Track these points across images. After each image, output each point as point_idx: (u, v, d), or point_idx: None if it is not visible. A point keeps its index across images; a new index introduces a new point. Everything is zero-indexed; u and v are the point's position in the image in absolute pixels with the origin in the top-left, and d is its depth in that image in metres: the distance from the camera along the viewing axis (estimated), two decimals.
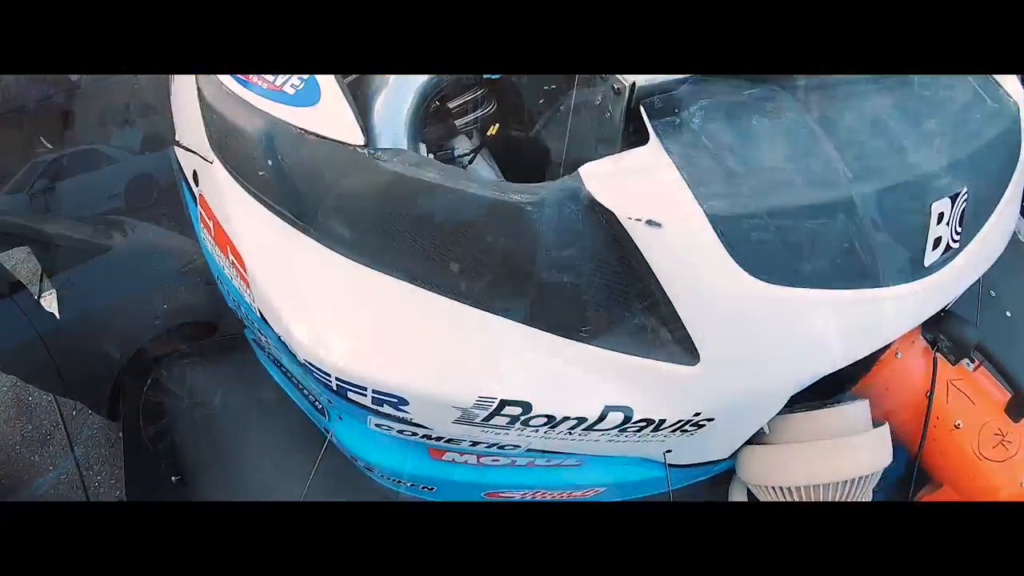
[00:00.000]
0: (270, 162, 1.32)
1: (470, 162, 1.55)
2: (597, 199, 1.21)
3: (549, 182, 1.23)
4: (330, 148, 1.27)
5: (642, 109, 1.33)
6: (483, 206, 1.22)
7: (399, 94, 1.37)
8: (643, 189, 1.25)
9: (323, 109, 1.28)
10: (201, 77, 1.46)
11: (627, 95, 1.32)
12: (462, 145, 1.60)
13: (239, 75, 1.37)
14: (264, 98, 1.34)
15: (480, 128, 1.57)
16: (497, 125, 1.57)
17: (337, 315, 1.25)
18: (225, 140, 1.42)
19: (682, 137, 1.25)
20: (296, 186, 1.32)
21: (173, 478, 1.91)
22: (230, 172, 1.42)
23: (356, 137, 1.26)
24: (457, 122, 1.57)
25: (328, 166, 1.28)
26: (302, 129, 1.27)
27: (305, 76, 1.30)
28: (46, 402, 2.52)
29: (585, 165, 1.24)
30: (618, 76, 1.33)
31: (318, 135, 1.27)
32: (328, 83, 1.30)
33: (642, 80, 1.33)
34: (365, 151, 1.26)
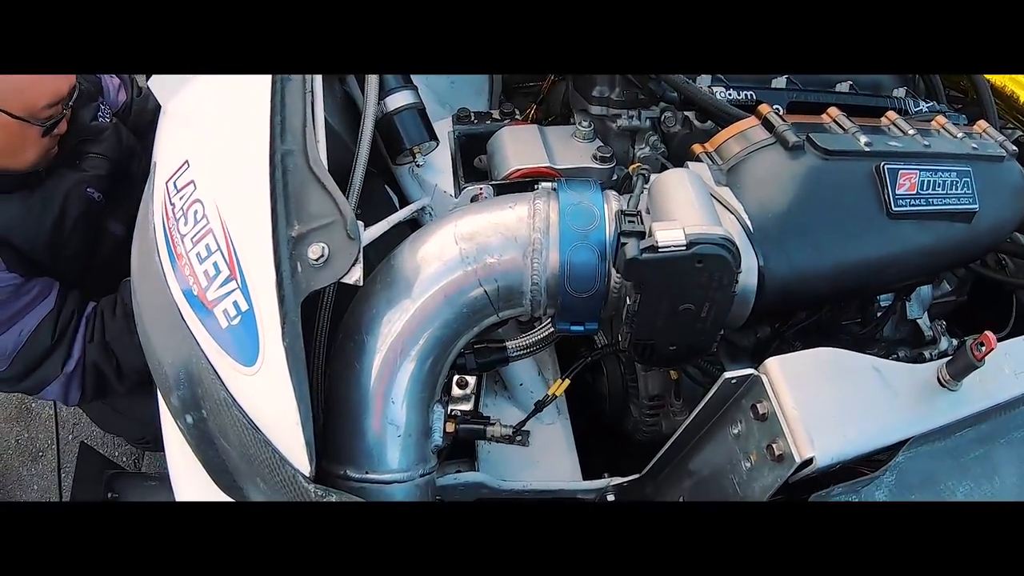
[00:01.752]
0: (190, 418, 0.88)
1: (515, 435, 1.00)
2: None
3: None
4: (266, 453, 0.78)
5: None
6: None
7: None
8: None
9: (262, 382, 0.82)
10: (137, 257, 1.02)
11: (790, 471, 0.75)
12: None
13: (176, 262, 0.90)
14: (192, 309, 0.85)
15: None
16: (567, 381, 0.99)
17: None
18: (145, 344, 0.95)
19: None
20: (224, 464, 0.89)
21: None
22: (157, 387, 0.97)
23: (303, 463, 0.76)
24: (511, 345, 1.01)
25: (261, 473, 0.83)
26: (233, 399, 0.79)
27: (243, 307, 0.84)
28: (47, 414, 2.32)
29: None
30: (787, 435, 0.76)
31: (253, 425, 0.77)
32: (272, 343, 0.80)
33: (826, 454, 0.75)
34: (312, 489, 0.75)
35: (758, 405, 0.78)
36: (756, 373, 0.78)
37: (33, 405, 2.36)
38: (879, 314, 1.26)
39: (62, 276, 1.47)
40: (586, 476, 1.08)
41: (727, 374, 0.77)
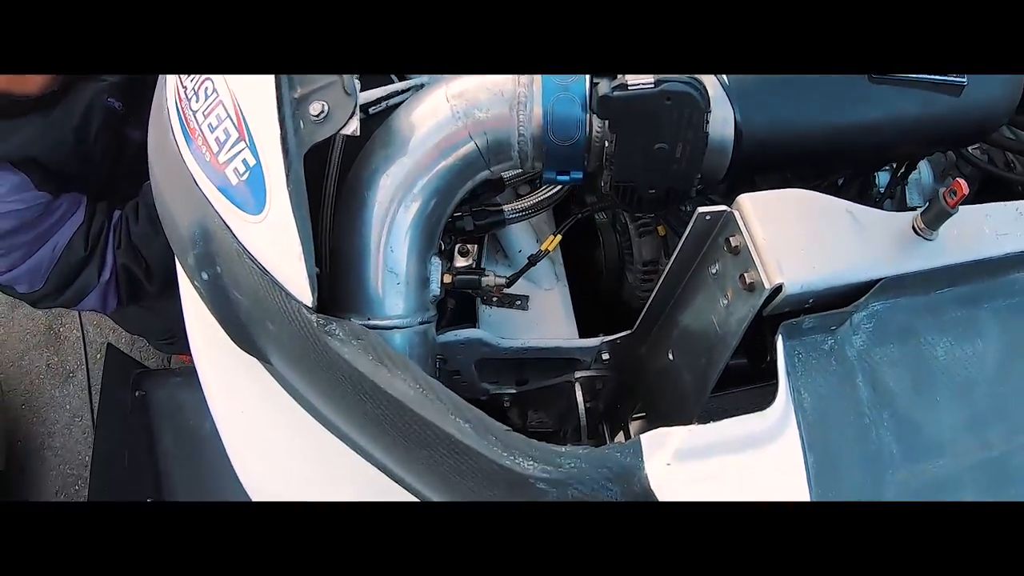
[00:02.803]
0: (205, 275, 0.96)
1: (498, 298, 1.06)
2: (657, 495, 0.72)
3: (589, 449, 0.74)
4: (273, 293, 0.85)
5: (780, 340, 0.81)
6: (465, 460, 0.76)
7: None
8: (741, 489, 0.74)
9: (268, 227, 0.88)
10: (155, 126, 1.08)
11: (761, 299, 0.80)
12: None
13: (189, 135, 0.96)
14: (204, 174, 0.92)
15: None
16: (559, 236, 1.05)
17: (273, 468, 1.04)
18: (163, 214, 1.02)
19: (826, 381, 0.85)
20: (238, 316, 0.96)
21: (147, 500, 1.67)
22: (175, 253, 1.04)
23: (305, 294, 0.83)
24: (507, 207, 1.07)
25: (270, 315, 0.90)
26: (243, 248, 0.89)
27: (251, 163, 0.90)
28: (75, 336, 2.38)
29: (653, 432, 0.74)
30: (757, 264, 0.80)
31: (261, 267, 0.84)
32: (277, 188, 0.86)
33: (795, 282, 0.79)
34: (314, 319, 0.82)
35: (731, 239, 0.82)
36: (729, 209, 0.83)
37: (60, 329, 2.46)
38: (877, 199, 1.30)
39: (89, 187, 1.54)
40: None
41: (700, 209, 0.82)
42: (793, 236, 0.83)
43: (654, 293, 0.95)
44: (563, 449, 0.72)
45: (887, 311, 0.90)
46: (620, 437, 1.19)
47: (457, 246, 1.11)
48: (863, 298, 0.85)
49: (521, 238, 1.18)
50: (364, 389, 0.79)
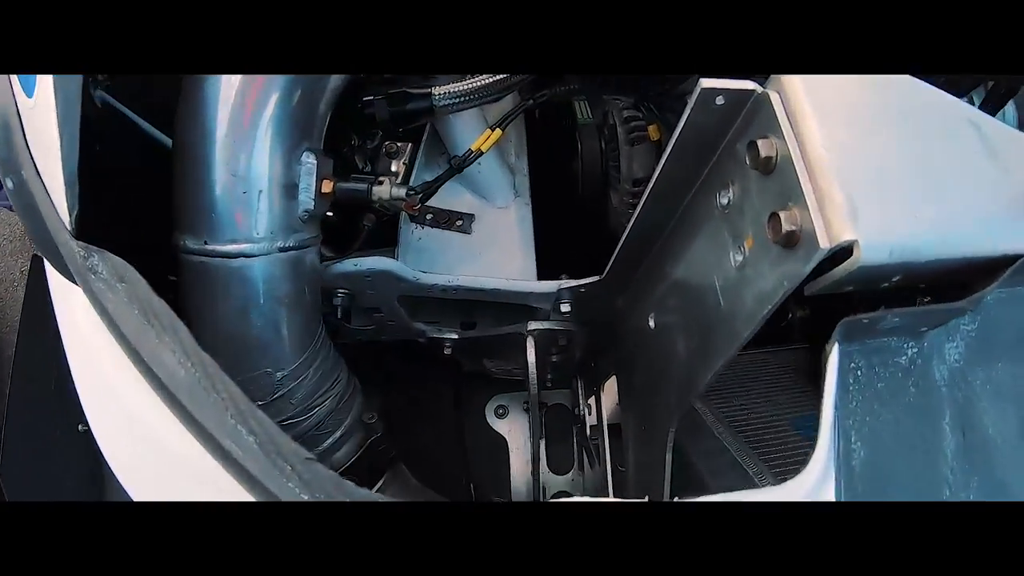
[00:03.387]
0: (11, 183, 0.69)
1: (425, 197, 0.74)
2: None
3: None
4: (49, 208, 0.60)
5: (835, 348, 0.47)
6: (253, 489, 0.46)
7: None
8: None
9: (35, 114, 0.61)
10: None
11: (808, 266, 0.45)
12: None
13: None
14: None
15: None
16: (499, 131, 0.73)
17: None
18: None
19: (896, 420, 0.51)
20: (47, 234, 0.66)
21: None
22: None
23: (62, 209, 0.58)
24: (438, 91, 0.74)
25: (57, 238, 0.61)
26: (29, 150, 0.63)
27: None
28: None
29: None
30: (807, 196, 0.44)
31: (37, 172, 0.62)
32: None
33: (879, 243, 0.44)
34: (76, 247, 0.54)
35: (760, 143, 0.47)
36: (760, 88, 0.49)
37: None
38: None
39: None
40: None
41: (706, 82, 0.47)
42: (877, 154, 0.47)
43: (630, 225, 0.62)
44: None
45: (999, 306, 0.55)
46: (592, 401, 0.91)
47: (385, 145, 0.79)
48: (994, 284, 0.49)
49: (471, 137, 0.83)
50: (135, 353, 0.50)
